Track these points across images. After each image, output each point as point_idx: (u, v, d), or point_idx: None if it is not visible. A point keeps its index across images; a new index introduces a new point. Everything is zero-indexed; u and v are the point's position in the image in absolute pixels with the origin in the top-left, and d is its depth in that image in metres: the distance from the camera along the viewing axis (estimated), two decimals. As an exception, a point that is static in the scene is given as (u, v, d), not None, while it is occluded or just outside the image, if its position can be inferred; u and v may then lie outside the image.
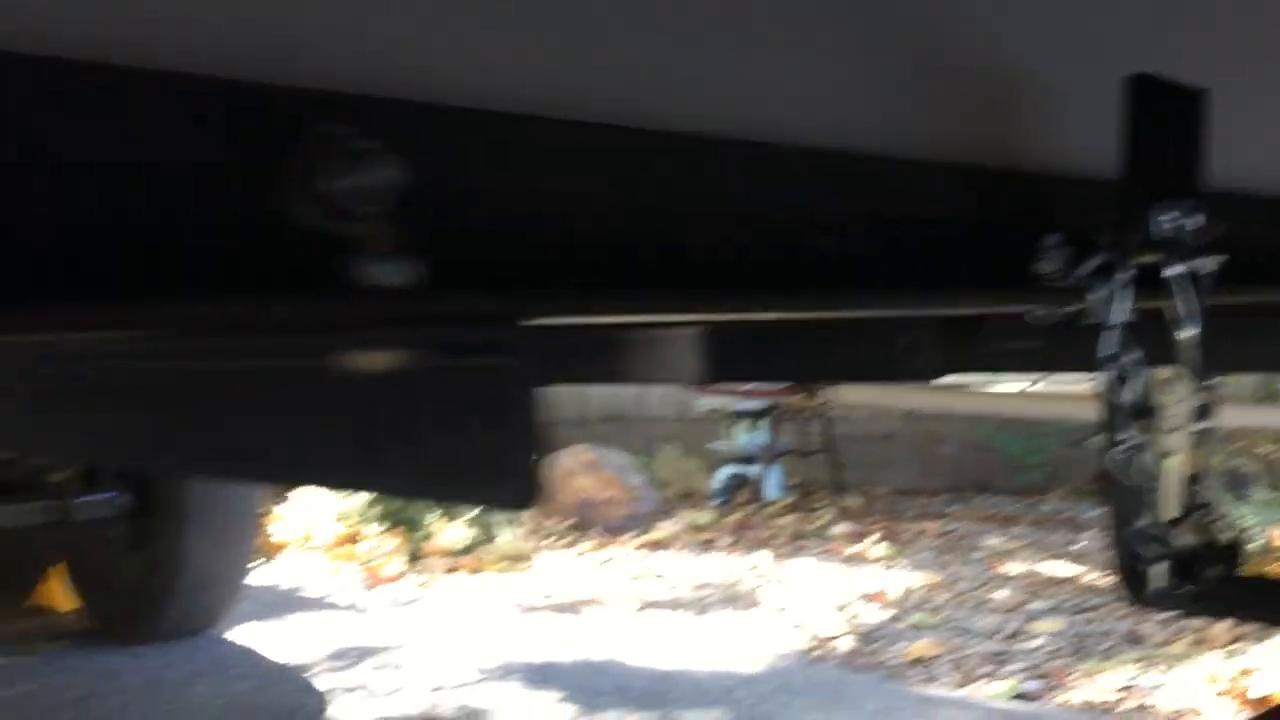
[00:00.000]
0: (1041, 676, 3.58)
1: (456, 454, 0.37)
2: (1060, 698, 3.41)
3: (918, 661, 3.78)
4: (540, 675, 3.62)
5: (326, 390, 0.39)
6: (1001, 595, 4.54)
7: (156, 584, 4.00)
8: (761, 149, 0.54)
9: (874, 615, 4.34)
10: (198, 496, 3.91)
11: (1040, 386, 5.65)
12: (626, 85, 0.46)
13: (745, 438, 6.86)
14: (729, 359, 0.98)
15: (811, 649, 3.98)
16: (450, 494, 0.40)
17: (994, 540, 5.53)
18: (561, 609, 4.63)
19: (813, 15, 0.51)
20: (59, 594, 4.58)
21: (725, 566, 5.29)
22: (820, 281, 0.57)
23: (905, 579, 4.85)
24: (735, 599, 4.71)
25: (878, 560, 5.28)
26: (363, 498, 5.60)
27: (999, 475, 6.89)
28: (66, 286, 0.33)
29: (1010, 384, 5.54)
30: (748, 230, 0.53)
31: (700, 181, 0.51)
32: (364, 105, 0.39)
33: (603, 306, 0.47)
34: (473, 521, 5.65)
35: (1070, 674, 3.58)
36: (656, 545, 5.85)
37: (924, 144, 0.65)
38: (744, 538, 5.95)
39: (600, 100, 0.46)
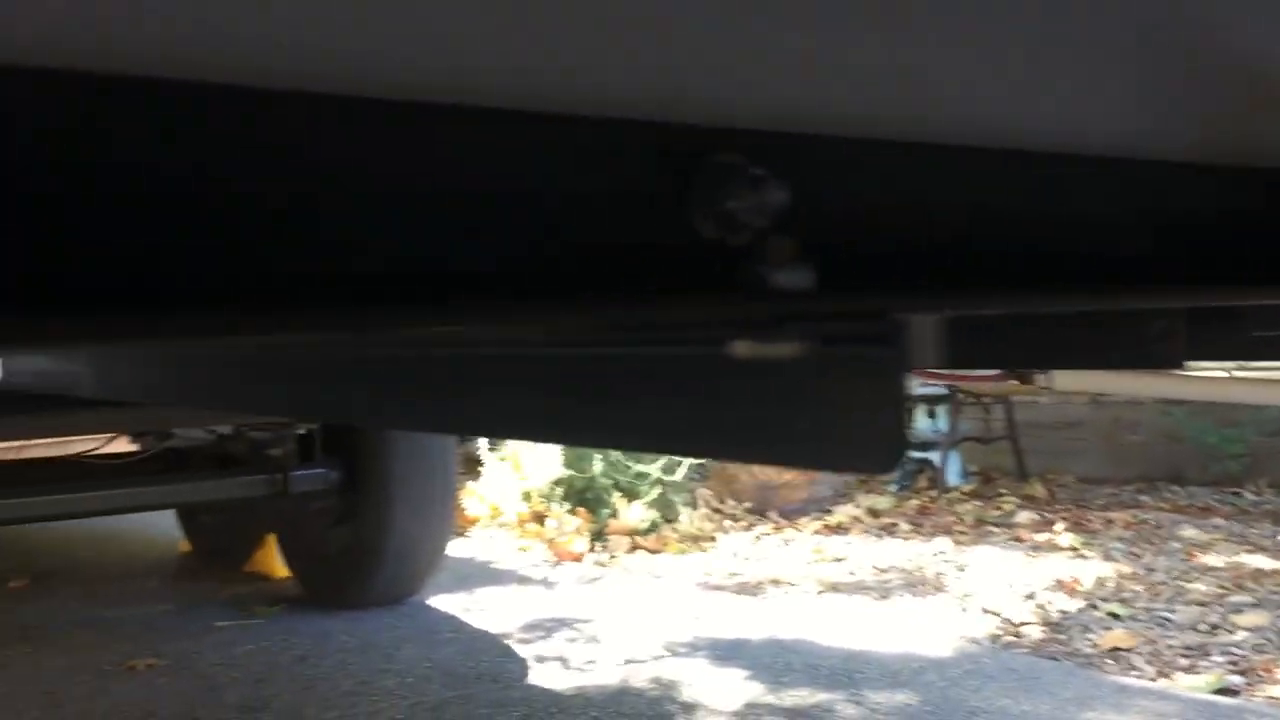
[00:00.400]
0: (1245, 670, 3.49)
1: (841, 428, 0.44)
2: (1267, 692, 3.31)
3: (1113, 651, 3.72)
4: (727, 652, 3.71)
5: (734, 376, 0.47)
6: (1199, 587, 4.41)
7: (363, 554, 4.24)
8: (1060, 160, 0.60)
9: (1065, 604, 4.28)
10: (401, 472, 4.12)
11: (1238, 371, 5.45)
12: (956, 108, 0.52)
13: (925, 423, 6.81)
14: (971, 345, 1.02)
15: (1001, 635, 3.95)
16: (833, 462, 0.47)
17: (1189, 531, 5.36)
18: (744, 589, 4.71)
19: (1089, 29, 0.56)
20: (273, 562, 4.89)
21: (907, 552, 5.28)
22: (1104, 277, 0.62)
23: (1096, 569, 4.76)
24: (919, 584, 4.71)
25: (1065, 549, 5.18)
26: (549, 478, 5.78)
27: (1192, 465, 6.65)
28: (524, 290, 0.41)
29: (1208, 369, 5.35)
30: (1050, 231, 0.58)
31: (1008, 190, 0.57)
32: (755, 138, 0.46)
33: (953, 302, 0.53)
34: (654, 503, 5.78)
35: (1277, 668, 3.47)
36: (835, 529, 5.87)
37: (1197, 146, 0.69)
38: (924, 524, 5.92)
39: (930, 120, 0.52)
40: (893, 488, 6.69)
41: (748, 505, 6.28)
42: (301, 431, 4.22)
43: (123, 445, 4.35)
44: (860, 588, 4.69)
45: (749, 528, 5.95)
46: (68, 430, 3.90)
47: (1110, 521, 5.69)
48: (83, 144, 0.33)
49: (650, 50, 0.39)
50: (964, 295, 0.51)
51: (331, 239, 0.36)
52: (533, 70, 0.38)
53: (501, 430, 0.60)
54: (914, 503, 6.36)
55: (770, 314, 0.41)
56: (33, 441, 4.03)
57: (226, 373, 0.98)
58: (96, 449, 4.24)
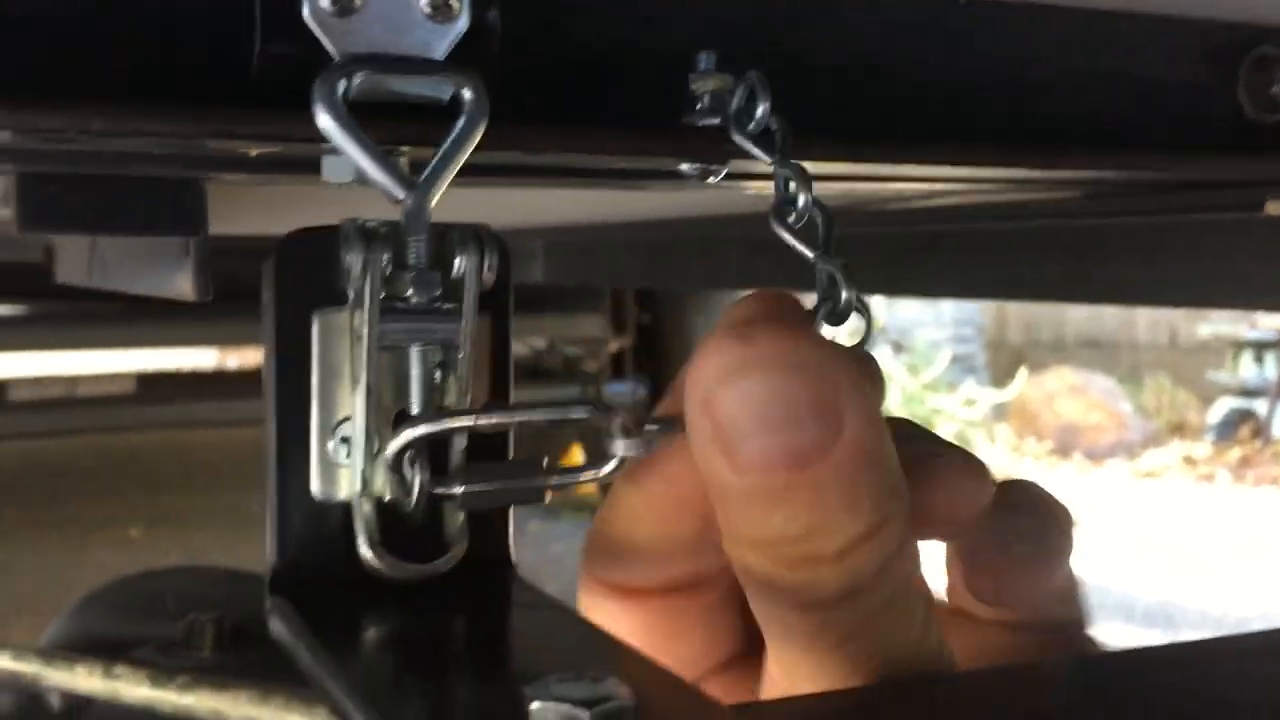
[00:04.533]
0: None
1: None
2: None
3: None
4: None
5: (1257, 232, 0.52)
6: None
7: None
8: None
9: None
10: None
11: None
12: None
13: (1251, 370, 6.37)
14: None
15: (1335, 594, 3.71)
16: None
17: None
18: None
19: None
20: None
21: (1226, 502, 5.00)
22: None
23: None
24: (1239, 536, 4.46)
25: None
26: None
27: None
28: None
29: None
30: None
31: None
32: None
33: None
34: (953, 439, 5.70)
35: None
36: (1146, 475, 5.62)
37: None
38: (1246, 476, 5.57)
39: None
40: (1210, 436, 6.31)
41: (1049, 445, 6.09)
42: (614, 348, 4.41)
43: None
44: (1175, 535, 4.49)
45: (1052, 467, 5.78)
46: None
47: None
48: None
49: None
50: None
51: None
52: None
53: (1019, 293, 0.65)
54: (1235, 453, 5.99)
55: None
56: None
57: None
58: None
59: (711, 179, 0.34)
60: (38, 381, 4.05)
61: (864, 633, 0.28)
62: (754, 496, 0.27)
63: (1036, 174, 0.42)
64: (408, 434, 0.27)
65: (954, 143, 0.36)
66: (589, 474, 0.30)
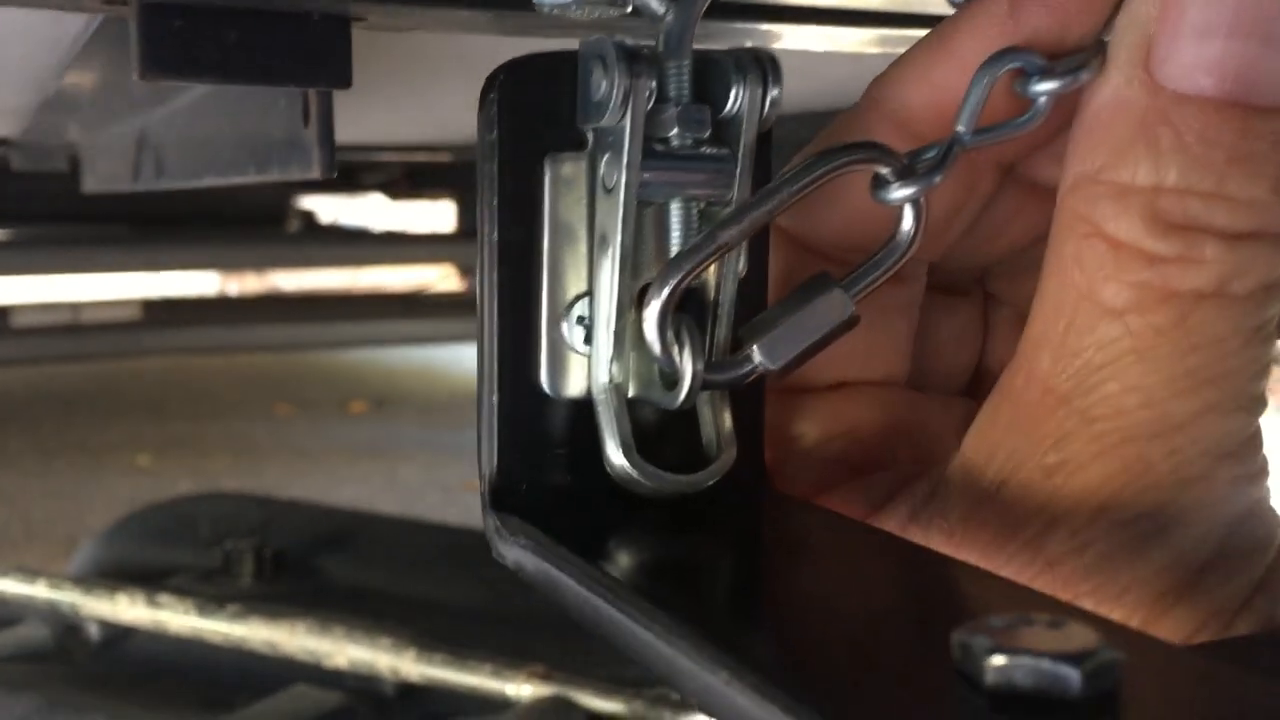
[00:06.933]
0: None
1: None
2: None
3: None
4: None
5: None
6: None
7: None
8: None
9: None
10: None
11: None
12: None
13: None
14: None
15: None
16: None
17: None
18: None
19: None
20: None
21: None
22: None
23: None
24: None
25: None
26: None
27: None
28: None
29: None
30: None
31: None
32: None
33: None
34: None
35: None
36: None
37: None
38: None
39: None
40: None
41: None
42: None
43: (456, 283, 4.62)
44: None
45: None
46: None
47: None
48: None
49: None
50: None
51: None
52: None
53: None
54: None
55: None
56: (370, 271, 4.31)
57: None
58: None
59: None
60: (42, 307, 3.99)
61: (1214, 356, 0.21)
62: (1158, 125, 0.19)
63: None
64: (675, 274, 0.21)
65: None
66: (889, 263, 0.24)
